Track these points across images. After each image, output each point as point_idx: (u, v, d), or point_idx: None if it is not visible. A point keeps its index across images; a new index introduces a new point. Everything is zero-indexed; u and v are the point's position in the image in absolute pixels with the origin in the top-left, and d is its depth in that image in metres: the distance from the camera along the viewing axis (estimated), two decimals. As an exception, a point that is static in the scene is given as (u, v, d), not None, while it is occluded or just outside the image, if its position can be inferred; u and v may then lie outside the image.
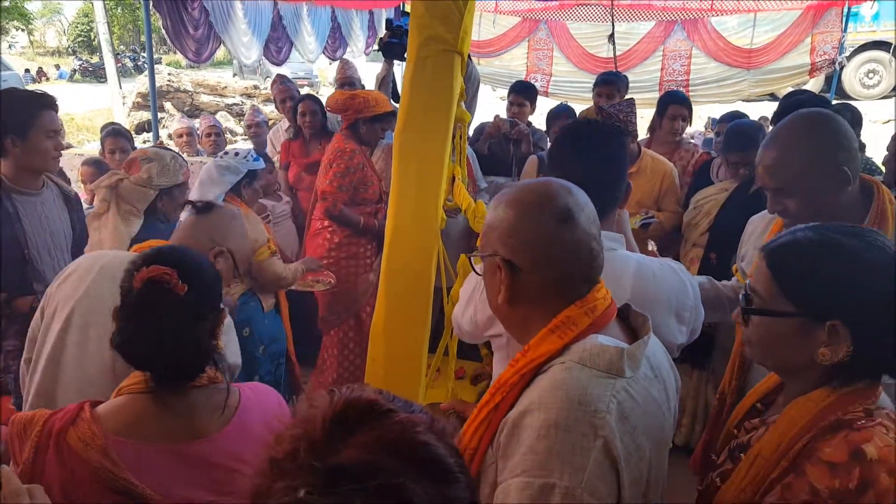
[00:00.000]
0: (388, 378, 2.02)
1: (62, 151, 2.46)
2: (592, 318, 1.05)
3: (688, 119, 3.64)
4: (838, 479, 0.94)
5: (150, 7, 4.45)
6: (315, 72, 17.70)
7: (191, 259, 1.29)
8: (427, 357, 2.08)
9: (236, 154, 2.82)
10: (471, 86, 3.38)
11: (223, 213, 1.87)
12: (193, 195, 2.65)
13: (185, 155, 3.91)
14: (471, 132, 3.93)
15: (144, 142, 8.73)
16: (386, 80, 3.76)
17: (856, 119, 3.62)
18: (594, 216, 1.12)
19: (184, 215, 1.81)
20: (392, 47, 3.35)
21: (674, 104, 3.59)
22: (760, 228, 1.97)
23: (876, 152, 4.61)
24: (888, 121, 11.47)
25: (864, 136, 9.93)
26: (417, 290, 2.03)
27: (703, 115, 9.96)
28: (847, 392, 1.04)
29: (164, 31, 4.48)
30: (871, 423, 0.99)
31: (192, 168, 3.24)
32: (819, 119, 1.54)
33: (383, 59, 3.82)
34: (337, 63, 5.24)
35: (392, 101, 3.45)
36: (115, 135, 3.86)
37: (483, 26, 8.45)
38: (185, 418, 1.21)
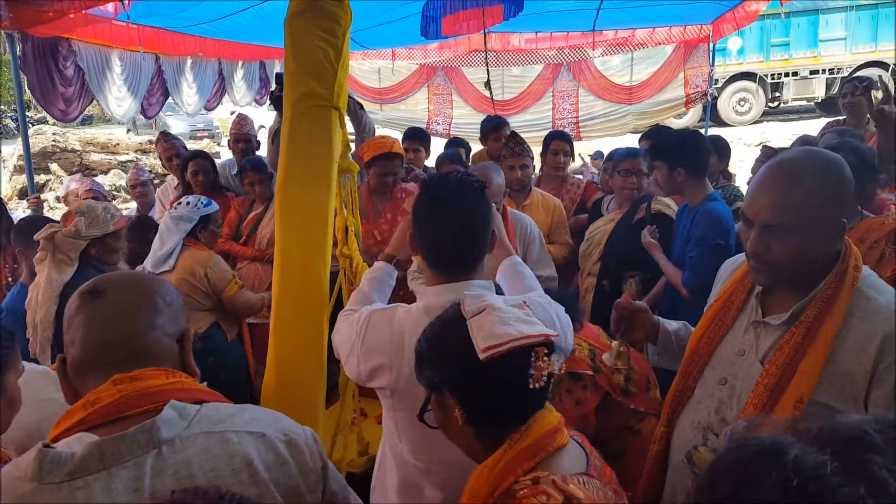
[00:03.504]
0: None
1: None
2: (90, 410, 0.95)
3: (570, 154, 3.85)
4: None
5: (20, 66, 4.21)
6: (216, 122, 17.29)
7: None
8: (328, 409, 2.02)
9: (188, 203, 3.06)
10: (366, 136, 3.40)
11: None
12: (156, 245, 2.99)
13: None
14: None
15: (25, 210, 8.15)
16: (279, 133, 3.70)
17: (726, 151, 3.91)
18: (145, 300, 1.05)
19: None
20: (282, 100, 3.31)
21: (555, 140, 3.86)
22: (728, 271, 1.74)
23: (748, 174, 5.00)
24: (759, 143, 12.53)
25: (740, 157, 10.67)
26: (309, 357, 1.95)
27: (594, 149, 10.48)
28: (512, 454, 1.04)
29: (29, 92, 4.23)
30: (532, 492, 0.98)
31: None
32: (836, 163, 1.34)
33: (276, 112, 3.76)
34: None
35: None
36: None
37: (383, 74, 8.66)
38: None
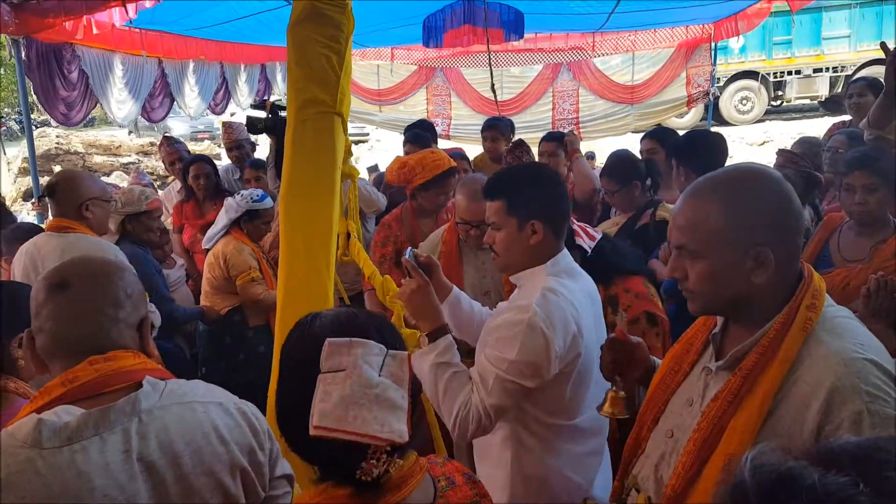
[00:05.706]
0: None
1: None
2: (68, 388, 1.08)
3: (558, 155, 3.80)
4: None
5: (24, 70, 4.23)
6: (217, 124, 17.34)
7: None
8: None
9: (243, 196, 3.30)
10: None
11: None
12: (215, 223, 3.37)
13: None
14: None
15: (30, 212, 8.18)
16: (277, 161, 3.53)
17: (724, 148, 3.89)
18: (108, 295, 1.16)
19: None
20: (270, 124, 3.08)
21: (544, 142, 3.86)
22: None
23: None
24: (763, 143, 12.50)
25: (743, 157, 10.60)
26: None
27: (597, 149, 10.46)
28: (322, 490, 0.98)
29: (34, 95, 4.27)
30: None
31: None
32: (756, 182, 1.16)
33: (270, 140, 3.58)
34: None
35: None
36: None
37: (382, 75, 8.65)
38: None
